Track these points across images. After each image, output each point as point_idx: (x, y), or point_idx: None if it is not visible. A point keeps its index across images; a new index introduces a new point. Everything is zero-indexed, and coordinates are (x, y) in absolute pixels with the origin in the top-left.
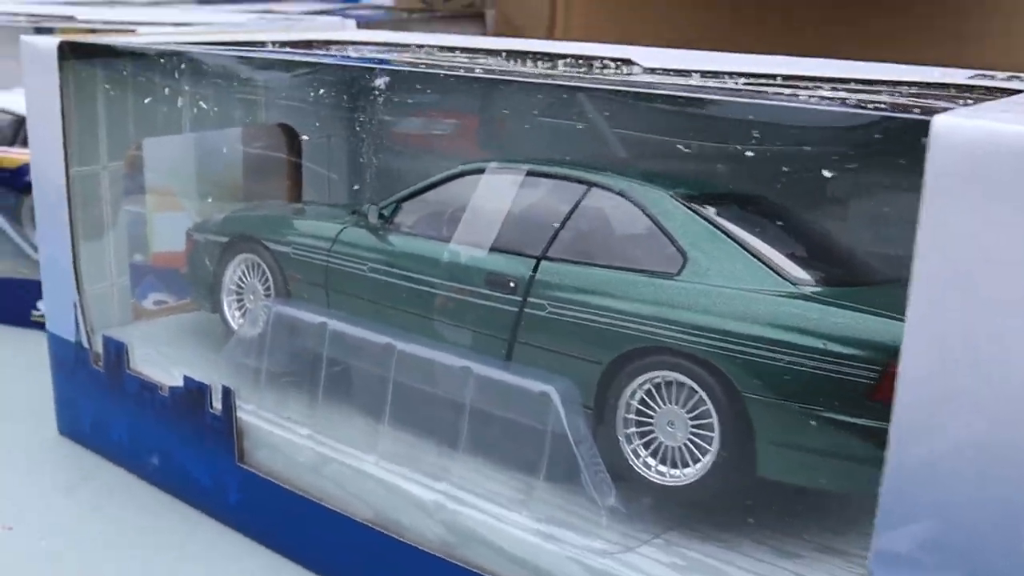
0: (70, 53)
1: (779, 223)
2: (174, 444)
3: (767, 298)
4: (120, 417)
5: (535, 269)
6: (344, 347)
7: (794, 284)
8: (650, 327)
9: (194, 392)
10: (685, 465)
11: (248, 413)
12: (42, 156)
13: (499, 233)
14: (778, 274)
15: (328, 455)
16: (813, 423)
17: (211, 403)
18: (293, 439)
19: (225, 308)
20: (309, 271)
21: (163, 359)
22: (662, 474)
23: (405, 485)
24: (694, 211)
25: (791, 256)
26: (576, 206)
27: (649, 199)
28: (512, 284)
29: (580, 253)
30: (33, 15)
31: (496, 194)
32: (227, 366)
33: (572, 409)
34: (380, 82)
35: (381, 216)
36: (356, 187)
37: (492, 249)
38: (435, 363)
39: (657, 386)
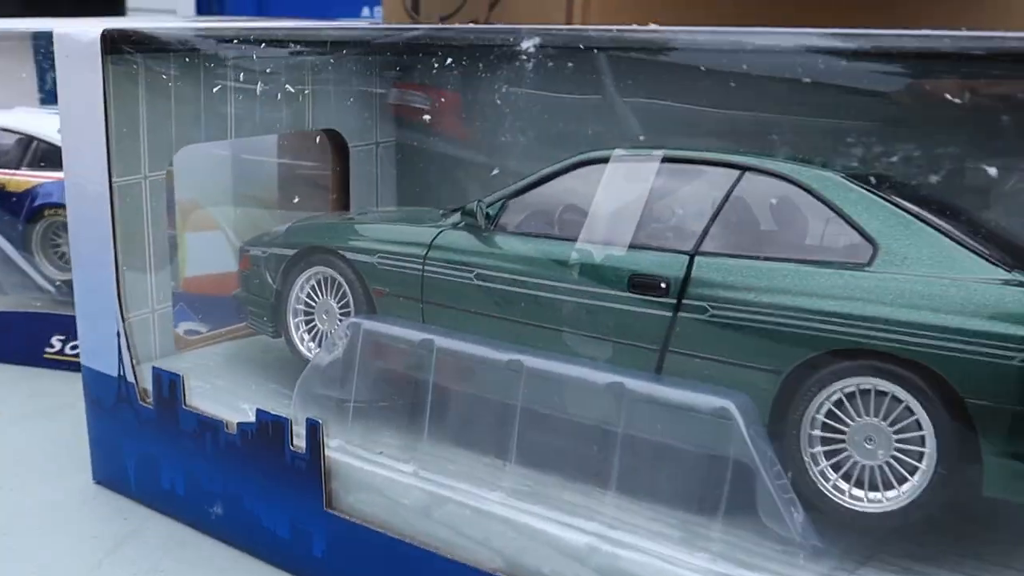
0: (112, 47)
1: (944, 206)
2: (243, 490)
3: (983, 287)
4: (174, 460)
5: (689, 266)
6: (455, 367)
7: (1008, 270)
8: (841, 326)
9: (270, 428)
10: (888, 487)
11: (335, 450)
12: (79, 166)
13: (639, 228)
14: (987, 260)
15: (441, 495)
16: None
17: (291, 440)
18: (395, 478)
19: (292, 331)
20: (399, 282)
21: (221, 392)
22: (858, 499)
23: (543, 526)
24: (874, 193)
25: (984, 240)
26: (730, 193)
27: (820, 182)
28: (663, 285)
29: (742, 246)
30: None
31: (628, 184)
32: (303, 398)
33: (755, 428)
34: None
35: (487, 216)
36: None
37: (632, 246)
38: (574, 381)
39: (851, 395)
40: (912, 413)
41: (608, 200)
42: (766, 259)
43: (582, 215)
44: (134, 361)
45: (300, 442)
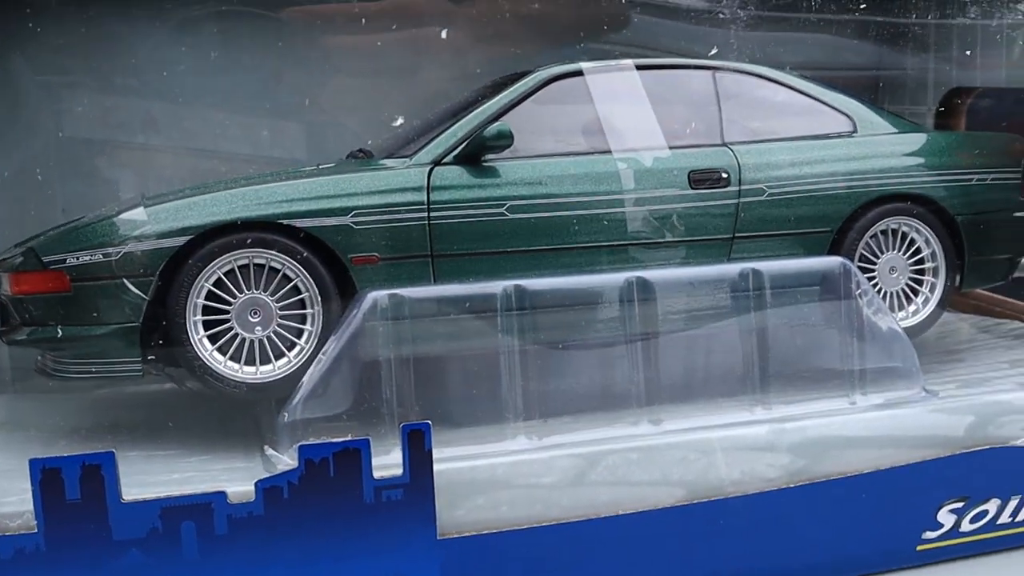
0: None
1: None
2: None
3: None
4: None
5: (735, 155)
6: (556, 309)
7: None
8: (869, 180)
9: (332, 464)
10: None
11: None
12: None
13: (663, 130)
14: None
15: (594, 452)
16: None
17: (369, 469)
18: (521, 460)
19: (200, 351)
20: (396, 240)
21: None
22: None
23: (721, 434)
24: (817, 82)
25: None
26: (717, 90)
27: (781, 76)
28: (724, 175)
29: (757, 132)
30: None
31: (625, 92)
32: (294, 428)
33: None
34: None
35: (468, 149)
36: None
37: (670, 147)
38: (702, 282)
39: (874, 236)
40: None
41: (614, 109)
42: (783, 140)
43: (594, 127)
44: None
45: (388, 464)
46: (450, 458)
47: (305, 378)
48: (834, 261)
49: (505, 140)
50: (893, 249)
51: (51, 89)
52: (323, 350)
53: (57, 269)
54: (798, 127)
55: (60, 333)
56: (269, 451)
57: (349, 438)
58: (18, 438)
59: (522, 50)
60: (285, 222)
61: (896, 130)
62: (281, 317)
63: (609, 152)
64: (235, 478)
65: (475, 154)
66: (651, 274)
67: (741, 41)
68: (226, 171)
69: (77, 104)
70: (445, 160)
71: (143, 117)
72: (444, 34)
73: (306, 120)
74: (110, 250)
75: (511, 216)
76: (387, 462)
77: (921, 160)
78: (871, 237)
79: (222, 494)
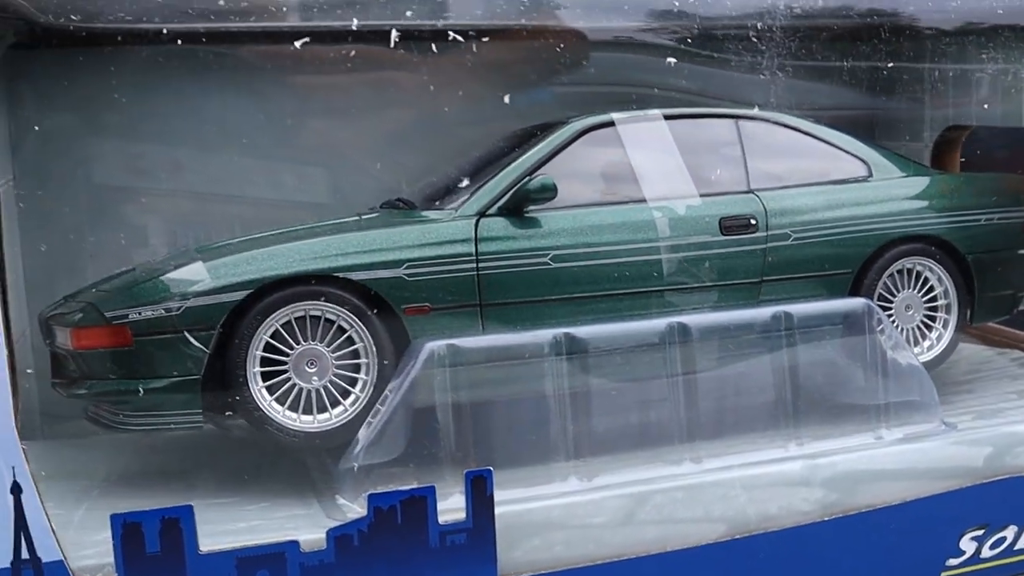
0: None
1: None
2: None
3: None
4: None
5: (761, 201)
6: (600, 355)
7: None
8: (888, 223)
9: (399, 511)
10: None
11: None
12: None
13: (692, 178)
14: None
15: (642, 492)
16: None
17: (435, 515)
18: (572, 501)
19: (259, 401)
20: (447, 291)
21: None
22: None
23: (759, 471)
24: (833, 128)
25: None
26: (741, 138)
27: (801, 123)
28: (753, 221)
29: (779, 178)
30: None
31: (653, 142)
32: (353, 477)
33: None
34: None
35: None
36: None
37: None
38: (736, 326)
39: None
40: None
41: (647, 158)
42: (804, 185)
43: (628, 177)
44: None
45: (448, 508)
46: (507, 501)
47: (365, 426)
48: (858, 302)
49: (548, 193)
50: (908, 287)
51: (78, 136)
52: (381, 399)
53: (120, 324)
54: (817, 172)
55: (122, 386)
56: (341, 500)
57: (414, 485)
58: (72, 488)
59: None
60: (341, 275)
61: (906, 173)
62: (336, 367)
63: (644, 201)
64: (300, 526)
65: (518, 205)
66: (690, 319)
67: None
68: (252, 216)
69: (104, 151)
70: (489, 212)
71: (170, 163)
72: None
73: (330, 166)
74: (172, 305)
75: (555, 265)
76: (446, 507)
77: (932, 202)
78: (887, 276)
79: (295, 543)
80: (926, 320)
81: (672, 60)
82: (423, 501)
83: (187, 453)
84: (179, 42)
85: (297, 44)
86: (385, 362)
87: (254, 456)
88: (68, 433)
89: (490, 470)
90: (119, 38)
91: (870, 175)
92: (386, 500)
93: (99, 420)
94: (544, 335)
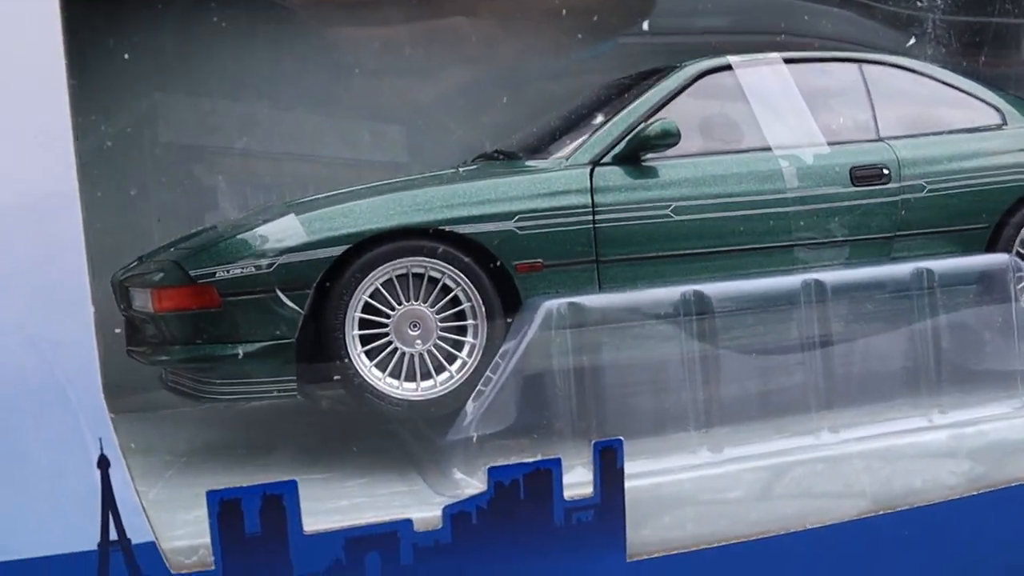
0: None
1: None
2: None
3: None
4: None
5: (893, 150)
6: (731, 317)
7: None
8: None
9: (522, 485)
10: None
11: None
12: None
13: (818, 126)
14: None
15: (781, 464)
16: None
17: (560, 490)
18: (705, 474)
19: (361, 368)
20: (563, 245)
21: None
22: None
23: (903, 440)
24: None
25: None
26: (867, 85)
27: (928, 68)
28: (885, 171)
29: (910, 126)
30: None
31: (775, 87)
32: (466, 449)
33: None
34: None
35: (643, 144)
36: None
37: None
38: (875, 283)
39: None
40: None
41: (769, 104)
42: (936, 133)
43: (750, 123)
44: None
45: (571, 483)
46: (635, 475)
47: (476, 394)
48: (1001, 258)
49: (671, 138)
50: None
51: (147, 95)
52: (493, 364)
53: (206, 283)
54: (948, 120)
55: (208, 352)
56: (459, 474)
57: (539, 457)
58: (155, 463)
59: None
60: (448, 228)
61: None
62: (442, 330)
63: (769, 149)
64: (407, 503)
65: (635, 153)
66: (825, 275)
67: None
68: (327, 175)
69: (173, 110)
70: (604, 160)
71: (241, 121)
72: None
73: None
74: (263, 262)
75: (677, 218)
76: (569, 481)
77: None
78: None
79: (408, 521)
80: None
81: None
82: (548, 474)
83: (263, 426)
84: None
85: None
86: (495, 324)
87: (339, 428)
88: (134, 407)
89: (620, 440)
90: None
91: (1004, 123)
92: (508, 474)
93: (181, 389)
94: (671, 292)
